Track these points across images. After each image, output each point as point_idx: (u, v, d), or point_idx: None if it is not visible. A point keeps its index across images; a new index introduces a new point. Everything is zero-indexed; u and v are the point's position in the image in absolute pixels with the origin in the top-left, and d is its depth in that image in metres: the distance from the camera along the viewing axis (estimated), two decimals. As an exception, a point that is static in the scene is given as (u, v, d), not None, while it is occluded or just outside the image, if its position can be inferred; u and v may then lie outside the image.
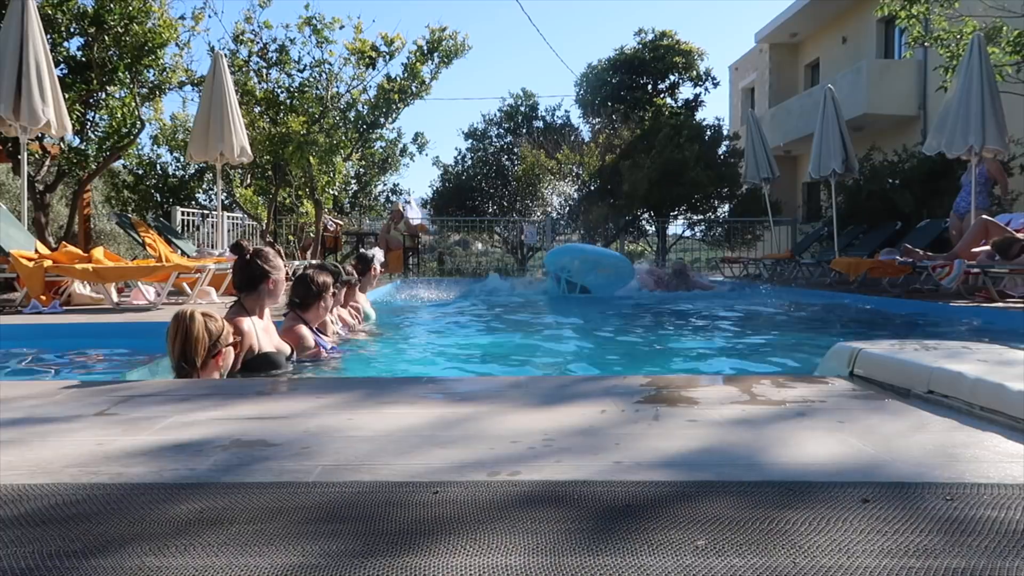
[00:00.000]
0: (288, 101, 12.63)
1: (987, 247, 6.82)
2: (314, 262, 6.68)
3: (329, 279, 3.92)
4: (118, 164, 13.32)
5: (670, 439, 1.77)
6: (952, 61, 10.07)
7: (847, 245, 12.36)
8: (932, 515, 1.25)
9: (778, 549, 1.12)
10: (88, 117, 10.48)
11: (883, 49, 17.62)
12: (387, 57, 13.10)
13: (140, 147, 13.64)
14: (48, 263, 5.82)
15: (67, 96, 8.36)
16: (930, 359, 2.35)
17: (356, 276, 5.11)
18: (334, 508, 1.30)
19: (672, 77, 20.60)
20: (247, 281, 3.40)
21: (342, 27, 12.82)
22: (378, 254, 5.79)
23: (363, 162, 16.01)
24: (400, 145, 17.12)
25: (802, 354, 4.68)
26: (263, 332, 3.40)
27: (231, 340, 2.94)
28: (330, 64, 12.92)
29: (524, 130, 19.19)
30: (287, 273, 3.87)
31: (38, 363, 4.27)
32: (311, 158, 11.93)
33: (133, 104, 10.40)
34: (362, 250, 7.43)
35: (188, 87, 11.68)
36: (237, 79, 11.32)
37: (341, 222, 15.99)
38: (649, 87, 20.55)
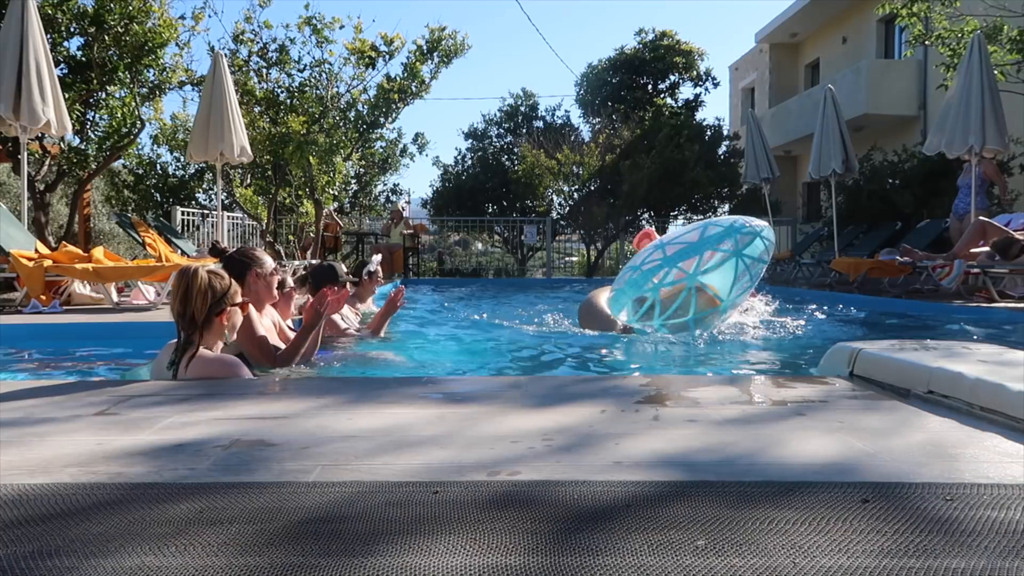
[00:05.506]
0: (288, 101, 12.62)
1: (987, 247, 6.82)
2: (314, 262, 6.68)
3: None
4: (118, 164, 13.31)
5: (670, 439, 1.77)
6: (953, 59, 10.06)
7: (847, 245, 12.37)
8: (932, 515, 1.25)
9: (778, 549, 1.12)
10: (88, 117, 10.46)
11: (883, 49, 17.62)
12: (387, 57, 13.11)
13: (140, 147, 13.63)
14: (48, 263, 5.82)
15: (67, 96, 8.35)
16: (930, 359, 2.35)
17: (354, 277, 5.11)
18: (334, 508, 1.30)
19: (672, 77, 20.59)
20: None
21: (342, 27, 12.82)
22: (372, 263, 5.72)
23: (363, 162, 16.00)
24: (400, 145, 17.11)
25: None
26: (269, 328, 3.40)
27: (238, 300, 2.82)
28: (330, 64, 12.92)
29: (524, 130, 19.17)
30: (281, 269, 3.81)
31: (38, 363, 4.27)
32: (311, 158, 11.92)
33: (133, 104, 10.38)
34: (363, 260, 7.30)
35: (188, 87, 11.66)
36: (237, 79, 11.31)
37: (340, 223, 15.98)
38: (649, 87, 20.54)
